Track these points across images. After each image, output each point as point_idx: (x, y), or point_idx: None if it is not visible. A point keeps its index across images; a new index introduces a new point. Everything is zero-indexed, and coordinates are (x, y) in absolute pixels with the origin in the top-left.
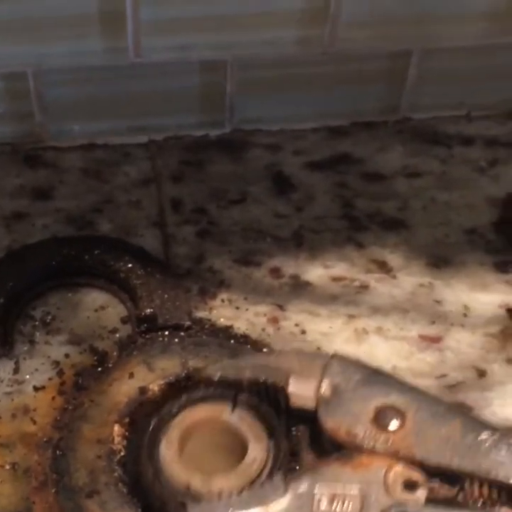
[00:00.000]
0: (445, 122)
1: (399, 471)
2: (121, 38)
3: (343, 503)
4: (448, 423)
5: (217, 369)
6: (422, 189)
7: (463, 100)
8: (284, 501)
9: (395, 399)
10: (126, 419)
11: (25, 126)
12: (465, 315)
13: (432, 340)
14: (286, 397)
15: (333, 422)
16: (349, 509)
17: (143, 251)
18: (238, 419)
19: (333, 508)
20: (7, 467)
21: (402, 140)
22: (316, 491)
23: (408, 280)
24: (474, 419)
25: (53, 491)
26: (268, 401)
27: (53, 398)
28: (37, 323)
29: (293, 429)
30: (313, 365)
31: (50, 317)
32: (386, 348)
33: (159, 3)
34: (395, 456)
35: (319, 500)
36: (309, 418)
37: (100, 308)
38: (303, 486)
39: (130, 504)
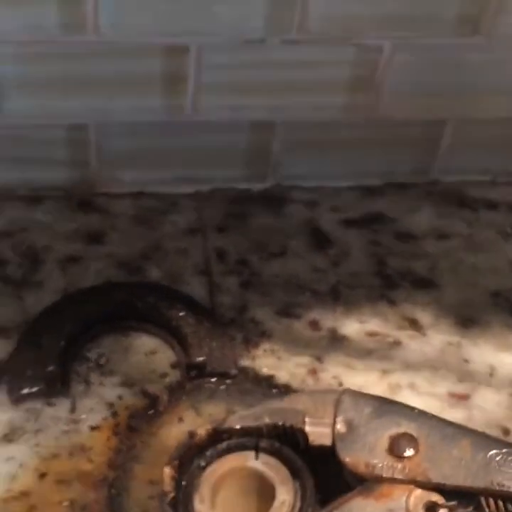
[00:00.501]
0: (472, 186)
1: (418, 495)
2: (181, 97)
3: None
4: (458, 444)
5: (236, 420)
6: (451, 250)
7: (489, 166)
8: None
9: (406, 426)
10: (176, 462)
11: (81, 173)
12: (491, 374)
13: (461, 398)
14: (305, 437)
15: (351, 457)
16: None
17: (192, 299)
18: (263, 464)
19: None
20: (65, 504)
21: (431, 201)
22: None
23: (438, 338)
24: (482, 436)
25: None
26: (288, 443)
27: (108, 438)
28: (92, 364)
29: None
30: (326, 403)
31: (104, 359)
32: (418, 403)
33: (219, 67)
34: (413, 481)
35: None
36: (329, 455)
37: (150, 352)
38: None
39: None
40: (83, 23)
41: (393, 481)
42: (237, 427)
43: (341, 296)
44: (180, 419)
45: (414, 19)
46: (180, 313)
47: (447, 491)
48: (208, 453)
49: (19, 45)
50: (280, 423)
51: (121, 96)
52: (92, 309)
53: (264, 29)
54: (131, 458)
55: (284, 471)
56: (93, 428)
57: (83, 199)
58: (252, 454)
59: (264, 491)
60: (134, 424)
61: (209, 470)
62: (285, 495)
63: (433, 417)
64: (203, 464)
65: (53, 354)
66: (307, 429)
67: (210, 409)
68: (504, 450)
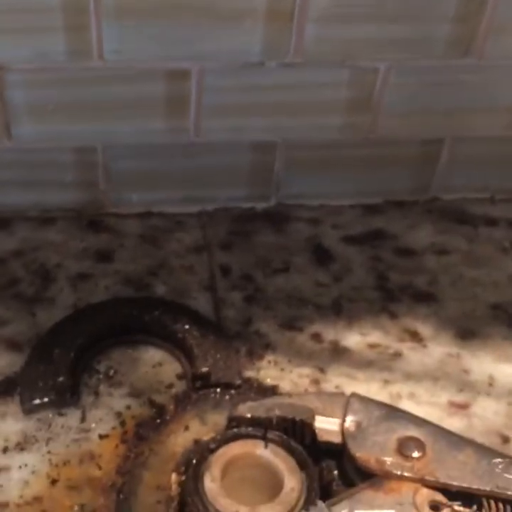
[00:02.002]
0: (471, 203)
1: (424, 493)
2: (183, 119)
3: None
4: (462, 450)
5: (247, 409)
6: (451, 265)
7: (488, 184)
8: None
9: (413, 431)
10: (182, 468)
11: (90, 194)
12: (490, 384)
13: (460, 407)
14: (313, 432)
15: (362, 453)
16: None
17: (197, 313)
18: (271, 453)
19: None
20: (76, 508)
21: (431, 218)
22: None
23: (438, 350)
24: (483, 447)
25: None
26: (295, 437)
27: (116, 446)
28: (101, 376)
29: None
30: (334, 404)
31: (112, 371)
32: (418, 412)
33: (220, 90)
34: (421, 480)
35: None
36: (334, 451)
37: (157, 364)
38: (343, 510)
39: None
40: (88, 50)
41: (402, 478)
42: (248, 415)
43: (343, 309)
44: (187, 428)
45: (407, 42)
46: (186, 327)
47: (451, 493)
48: (218, 437)
49: (28, 72)
50: (290, 416)
51: (127, 119)
52: (101, 324)
53: (262, 53)
54: (138, 465)
55: (291, 461)
56: (102, 436)
57: (92, 219)
58: (260, 442)
59: (271, 480)
60: (142, 433)
61: (219, 452)
62: (293, 483)
63: (439, 427)
64: (213, 446)
65: (64, 366)
66: (316, 425)
67: (215, 418)
68: (506, 459)
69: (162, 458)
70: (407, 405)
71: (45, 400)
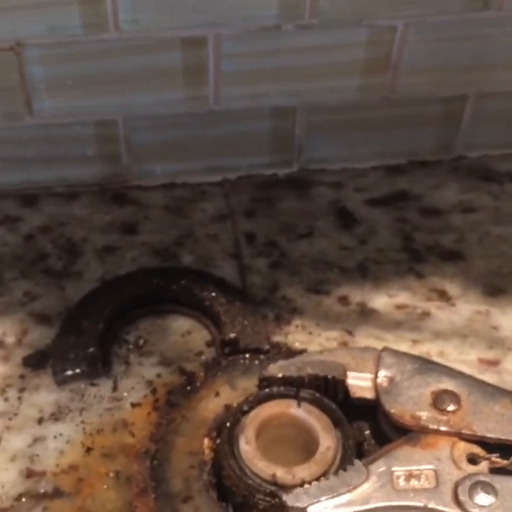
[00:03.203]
0: (497, 160)
1: (461, 447)
2: (202, 87)
3: (420, 479)
4: (498, 401)
5: (277, 368)
6: (477, 223)
7: None
8: (367, 482)
9: (447, 384)
10: (214, 433)
11: (113, 168)
12: None
13: (491, 364)
14: (346, 389)
15: (397, 409)
16: (426, 484)
17: (223, 281)
18: (305, 412)
19: (411, 484)
20: (111, 475)
21: (456, 177)
22: (393, 470)
23: (466, 308)
24: None
25: (153, 496)
26: (327, 394)
27: (149, 413)
28: (131, 346)
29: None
30: (366, 359)
31: (142, 341)
32: None
33: (237, 56)
34: (458, 434)
35: (398, 478)
36: (367, 407)
37: (186, 333)
38: (381, 468)
39: (221, 509)
40: (104, 22)
41: (438, 432)
42: (279, 375)
43: (369, 271)
44: (217, 394)
45: None
46: (213, 294)
47: (488, 445)
48: (250, 398)
49: (45, 47)
50: (321, 374)
51: (145, 90)
52: (128, 294)
53: (278, 17)
54: (171, 431)
55: (326, 420)
56: (134, 405)
57: (116, 192)
58: (292, 402)
59: (305, 439)
60: (173, 400)
61: (252, 414)
62: (329, 441)
63: (472, 376)
64: (245, 408)
65: (94, 338)
66: (349, 381)
67: (245, 383)
68: None
69: (194, 424)
70: None
71: (77, 370)
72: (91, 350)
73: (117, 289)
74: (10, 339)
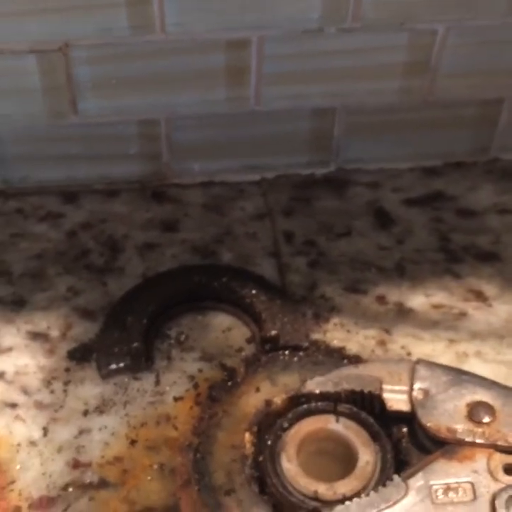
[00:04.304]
0: None
1: (498, 458)
2: (243, 88)
3: (458, 492)
4: None
5: (315, 385)
6: None
7: None
8: (407, 497)
9: (482, 395)
10: (255, 428)
11: (153, 166)
12: None
13: None
14: (382, 402)
15: (433, 422)
16: (464, 497)
17: (263, 279)
18: (344, 427)
19: (450, 497)
20: (155, 467)
21: (491, 179)
22: (431, 484)
23: (503, 308)
24: None
25: (196, 488)
26: (364, 408)
27: (191, 408)
28: (172, 341)
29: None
30: (400, 372)
31: (183, 336)
32: (485, 370)
33: (280, 58)
34: (493, 445)
35: (436, 492)
36: (404, 420)
37: (227, 329)
38: (420, 482)
39: (262, 502)
40: (150, 24)
41: (473, 444)
42: (317, 391)
43: (406, 271)
44: (257, 389)
45: (466, 2)
46: (253, 292)
47: None
48: (290, 415)
49: (92, 48)
50: (358, 389)
51: (188, 90)
52: (170, 291)
53: (320, 19)
54: (213, 425)
55: (364, 434)
56: (177, 399)
57: (157, 190)
58: (331, 417)
59: (344, 453)
60: (215, 395)
61: (292, 431)
62: (368, 456)
63: (506, 387)
64: (285, 425)
65: (137, 333)
66: (385, 395)
67: (285, 379)
68: None
69: (235, 418)
70: (473, 364)
71: (121, 365)
72: (135, 345)
73: (160, 285)
74: (54, 333)
